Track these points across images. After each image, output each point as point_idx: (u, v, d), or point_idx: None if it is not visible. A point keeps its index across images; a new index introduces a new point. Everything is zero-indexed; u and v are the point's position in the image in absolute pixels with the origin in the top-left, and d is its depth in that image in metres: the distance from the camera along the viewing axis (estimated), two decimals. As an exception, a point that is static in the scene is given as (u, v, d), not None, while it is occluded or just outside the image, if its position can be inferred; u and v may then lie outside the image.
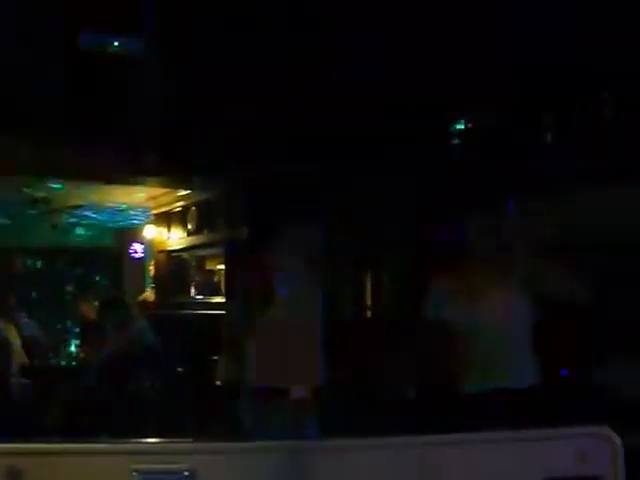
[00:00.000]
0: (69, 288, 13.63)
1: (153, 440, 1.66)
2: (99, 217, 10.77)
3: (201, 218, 8.55)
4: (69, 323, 12.04)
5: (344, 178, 6.50)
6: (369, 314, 7.15)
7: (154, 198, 9.16)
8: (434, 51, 5.38)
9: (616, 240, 4.78)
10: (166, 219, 9.37)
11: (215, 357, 7.08)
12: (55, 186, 8.24)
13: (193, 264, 9.27)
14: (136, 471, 1.55)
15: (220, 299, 8.11)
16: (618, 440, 1.64)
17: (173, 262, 9.45)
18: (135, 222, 11.06)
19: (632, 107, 4.72)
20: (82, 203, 9.48)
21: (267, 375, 3.52)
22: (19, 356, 7.38)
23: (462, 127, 5.89)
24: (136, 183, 7.95)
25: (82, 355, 8.55)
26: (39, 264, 13.89)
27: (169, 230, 9.32)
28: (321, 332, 3.69)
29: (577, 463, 1.63)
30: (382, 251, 6.89)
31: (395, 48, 5.46)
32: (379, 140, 6.11)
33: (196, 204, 8.61)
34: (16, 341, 7.46)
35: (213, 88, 6.31)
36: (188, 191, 8.47)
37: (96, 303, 9.37)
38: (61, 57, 6.31)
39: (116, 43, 6.92)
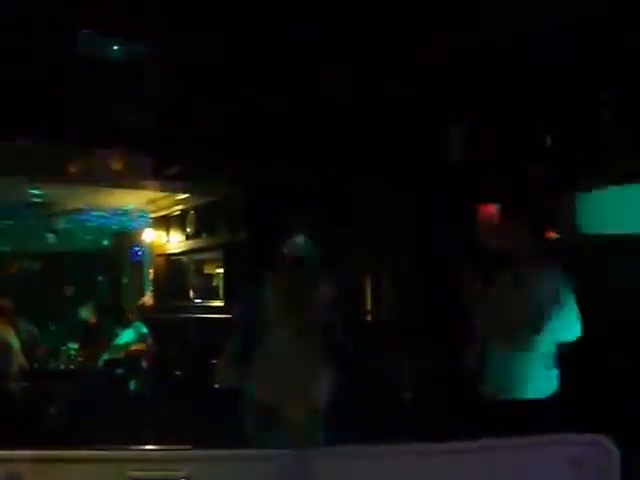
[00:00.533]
0: (68, 291, 13.64)
1: (150, 447, 1.66)
2: (98, 221, 10.76)
3: (200, 222, 8.54)
4: (68, 326, 12.02)
5: (344, 180, 6.50)
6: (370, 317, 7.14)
7: (153, 202, 9.16)
8: (433, 53, 5.38)
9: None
10: (165, 223, 9.36)
11: (214, 361, 7.08)
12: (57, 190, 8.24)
13: (192, 268, 9.26)
14: (132, 478, 1.55)
15: (219, 303, 8.11)
16: (615, 447, 1.64)
17: (172, 266, 9.44)
18: (134, 226, 11.05)
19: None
20: (81, 206, 9.47)
21: (266, 393, 3.51)
22: (19, 359, 7.37)
23: (461, 128, 5.88)
24: (135, 186, 7.95)
25: (82, 359, 8.53)
26: (38, 267, 13.90)
27: (168, 234, 9.31)
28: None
29: (574, 470, 1.63)
30: (383, 253, 6.88)
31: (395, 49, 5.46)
32: (378, 142, 6.11)
33: (195, 208, 8.60)
34: (16, 344, 7.44)
35: (212, 91, 6.31)
36: (187, 195, 8.46)
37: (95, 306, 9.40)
38: (60, 59, 6.32)
39: (115, 46, 6.94)
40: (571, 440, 1.68)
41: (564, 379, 3.31)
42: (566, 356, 3.29)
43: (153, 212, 9.53)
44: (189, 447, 1.66)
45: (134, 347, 7.56)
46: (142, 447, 1.67)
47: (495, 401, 3.13)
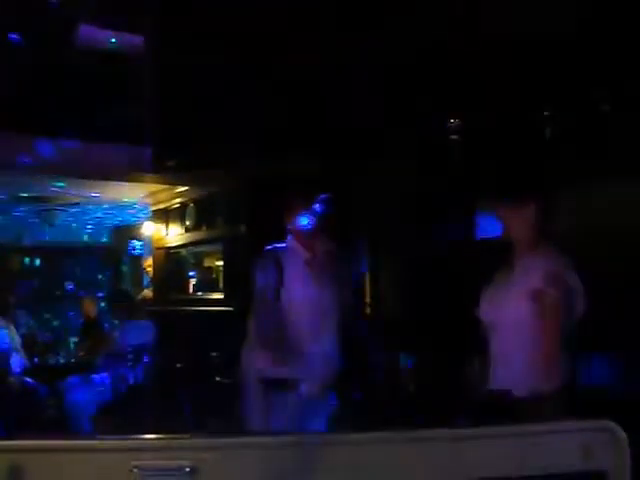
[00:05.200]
0: (68, 286, 13.64)
1: (154, 436, 1.64)
2: (97, 214, 10.75)
3: (200, 215, 8.53)
4: (68, 320, 12.04)
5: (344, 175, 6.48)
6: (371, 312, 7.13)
7: (152, 194, 9.14)
8: (432, 50, 5.36)
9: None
10: (165, 216, 9.35)
11: (214, 353, 7.08)
12: (56, 184, 8.23)
13: (192, 261, 9.25)
14: (137, 467, 1.53)
15: (219, 296, 8.10)
16: (623, 434, 1.62)
17: (172, 259, 9.43)
18: (133, 219, 11.04)
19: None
20: (80, 200, 9.46)
21: (276, 367, 3.52)
22: (18, 354, 7.37)
23: (462, 125, 5.86)
24: (134, 180, 7.93)
25: (82, 353, 8.53)
26: (38, 262, 13.89)
27: (167, 227, 9.30)
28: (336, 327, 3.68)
29: (581, 457, 1.61)
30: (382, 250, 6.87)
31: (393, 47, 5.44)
32: (379, 138, 6.09)
33: (195, 200, 8.59)
34: (15, 339, 7.45)
35: (212, 84, 6.29)
36: (186, 187, 8.44)
37: (95, 300, 9.39)
38: (58, 54, 6.29)
39: (114, 39, 6.91)
40: (579, 426, 1.66)
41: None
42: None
43: (152, 205, 9.52)
44: (194, 436, 1.64)
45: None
46: (146, 436, 1.65)
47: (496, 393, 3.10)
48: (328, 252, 3.65)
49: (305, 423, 3.40)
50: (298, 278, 3.58)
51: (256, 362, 3.62)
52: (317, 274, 3.60)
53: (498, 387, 3.06)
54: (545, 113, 5.16)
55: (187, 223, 8.77)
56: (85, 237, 12.80)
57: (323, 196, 3.71)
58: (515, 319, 3.08)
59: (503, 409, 2.97)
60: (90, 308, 9.07)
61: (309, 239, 3.64)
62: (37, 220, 10.32)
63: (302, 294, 3.55)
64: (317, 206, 3.67)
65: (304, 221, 3.64)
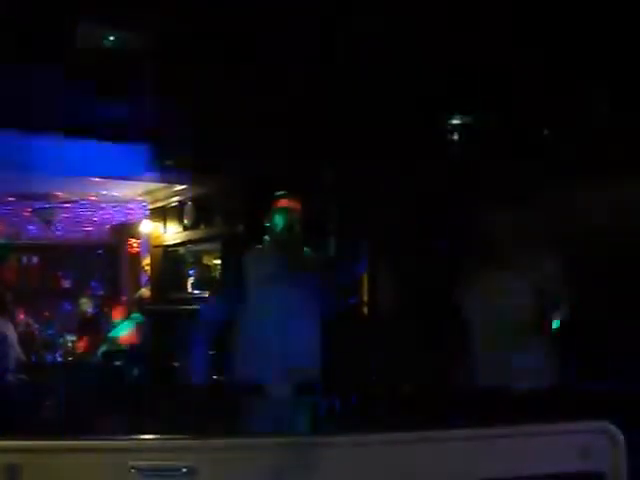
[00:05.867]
0: (65, 284, 13.63)
1: (151, 437, 1.64)
2: (95, 212, 10.74)
3: (198, 213, 8.52)
4: (65, 319, 12.03)
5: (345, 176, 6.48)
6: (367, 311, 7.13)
7: (150, 193, 9.13)
8: (433, 48, 5.35)
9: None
10: (162, 214, 9.34)
11: (211, 352, 7.07)
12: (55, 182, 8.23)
13: (190, 259, 9.24)
14: (134, 468, 1.54)
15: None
16: (620, 435, 1.63)
17: (170, 257, 9.42)
18: (131, 217, 11.03)
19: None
20: (78, 198, 9.45)
21: (254, 372, 3.51)
22: (16, 352, 7.37)
23: (462, 123, 5.86)
24: (133, 178, 7.92)
25: (79, 351, 8.53)
26: (36, 260, 13.89)
27: (165, 225, 9.29)
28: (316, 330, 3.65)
29: (579, 458, 1.62)
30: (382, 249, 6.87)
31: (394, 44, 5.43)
32: (379, 138, 6.09)
33: (193, 199, 8.58)
34: (13, 337, 7.44)
35: (211, 83, 6.28)
36: (185, 186, 8.44)
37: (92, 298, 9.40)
38: (58, 52, 6.28)
39: (112, 37, 6.88)
40: (576, 428, 1.67)
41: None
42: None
43: (150, 203, 9.51)
44: (191, 437, 1.64)
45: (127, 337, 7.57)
46: (144, 436, 1.65)
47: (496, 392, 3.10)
48: (304, 251, 3.63)
49: (281, 426, 3.39)
50: (267, 278, 3.56)
51: (234, 365, 3.64)
52: (290, 274, 3.57)
53: (494, 385, 3.07)
54: (544, 113, 5.16)
55: (185, 221, 8.77)
56: (83, 235, 12.79)
57: (299, 196, 3.70)
58: (512, 316, 3.10)
59: (501, 408, 2.97)
60: (87, 306, 9.08)
61: (284, 238, 3.62)
62: (36, 218, 10.31)
63: (271, 294, 3.53)
64: (293, 206, 3.65)
65: (280, 221, 3.62)
